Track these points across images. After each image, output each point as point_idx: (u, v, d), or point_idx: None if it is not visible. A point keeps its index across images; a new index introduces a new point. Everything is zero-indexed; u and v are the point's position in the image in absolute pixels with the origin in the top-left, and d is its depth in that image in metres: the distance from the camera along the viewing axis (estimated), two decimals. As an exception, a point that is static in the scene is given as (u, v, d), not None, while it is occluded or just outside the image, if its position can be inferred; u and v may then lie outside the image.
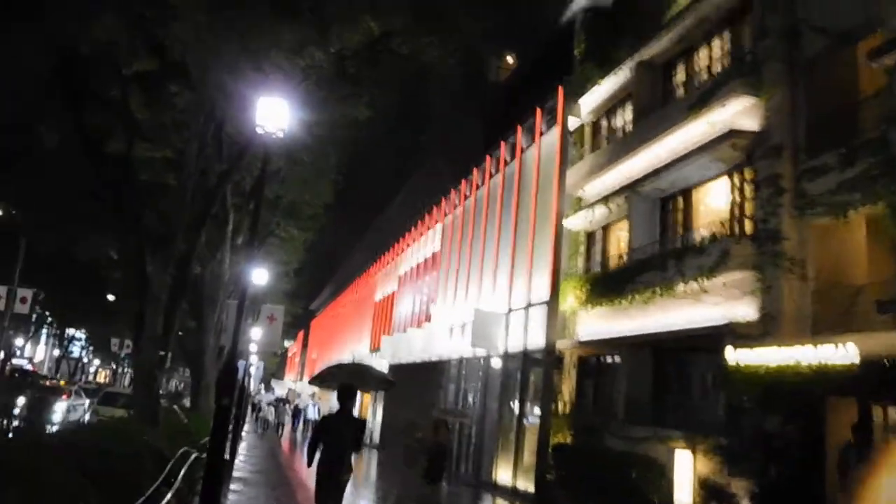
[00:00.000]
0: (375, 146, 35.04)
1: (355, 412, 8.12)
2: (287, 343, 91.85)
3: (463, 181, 23.81)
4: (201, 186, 14.69)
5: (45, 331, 71.93)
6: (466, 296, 21.75)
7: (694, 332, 12.05)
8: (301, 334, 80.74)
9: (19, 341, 60.71)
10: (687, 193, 13.77)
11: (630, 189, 14.45)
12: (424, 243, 28.54)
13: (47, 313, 62.88)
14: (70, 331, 72.02)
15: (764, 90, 11.54)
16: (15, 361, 63.99)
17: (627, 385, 14.04)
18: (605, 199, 15.29)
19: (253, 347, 43.84)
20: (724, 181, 12.74)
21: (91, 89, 14.86)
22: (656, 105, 14.73)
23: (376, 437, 32.61)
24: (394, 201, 35.77)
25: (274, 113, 9.36)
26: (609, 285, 14.77)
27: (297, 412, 37.64)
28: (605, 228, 16.74)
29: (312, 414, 35.38)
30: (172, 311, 14.22)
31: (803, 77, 11.14)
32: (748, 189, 12.01)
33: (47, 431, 15.33)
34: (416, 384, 28.75)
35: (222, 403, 8.66)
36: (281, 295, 48.70)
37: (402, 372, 29.23)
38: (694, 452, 11.53)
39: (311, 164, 25.70)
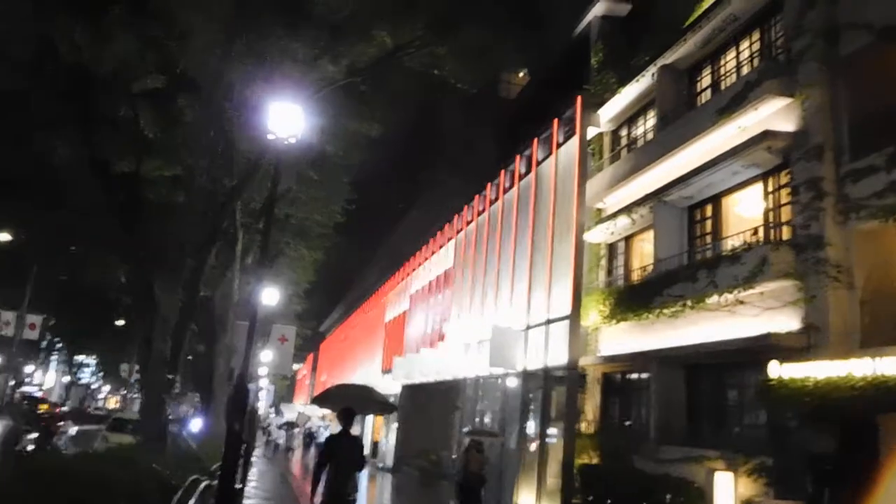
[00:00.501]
0: (387, 166, 34.61)
1: (367, 434, 7.65)
2: (296, 366, 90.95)
3: (476, 196, 23.22)
4: (211, 204, 14.15)
5: (54, 357, 71.30)
6: (482, 313, 21.05)
7: (730, 345, 11.29)
8: (310, 357, 79.89)
9: (29, 368, 60.07)
10: (716, 201, 13.10)
11: (655, 197, 13.80)
12: (436, 261, 27.89)
13: (56, 339, 62.32)
14: (79, 357, 71.37)
15: (800, 90, 10.92)
16: (25, 389, 63.38)
17: (658, 403, 13.25)
18: (628, 209, 14.64)
19: (262, 370, 43.11)
20: (758, 187, 12.07)
21: (100, 109, 14.43)
22: (681, 111, 14.13)
23: (389, 460, 31.72)
24: (404, 220, 35.22)
25: (286, 118, 8.81)
26: (634, 298, 14.06)
27: (309, 436, 36.55)
28: (628, 240, 16.06)
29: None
30: (181, 333, 13.61)
31: (843, 75, 10.51)
32: (785, 194, 11.33)
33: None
34: (430, 405, 27.96)
35: (233, 429, 8.01)
36: (291, 317, 48.07)
37: (416, 393, 28.48)
38: (735, 474, 10.73)
39: (322, 183, 25.22)
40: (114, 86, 13.60)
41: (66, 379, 76.71)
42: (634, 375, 15.09)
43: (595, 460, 14.82)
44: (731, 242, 12.27)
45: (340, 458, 8.12)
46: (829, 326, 9.98)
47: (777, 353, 10.19)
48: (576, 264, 15.31)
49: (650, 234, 15.20)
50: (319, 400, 11.63)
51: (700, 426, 12.76)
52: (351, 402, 10.00)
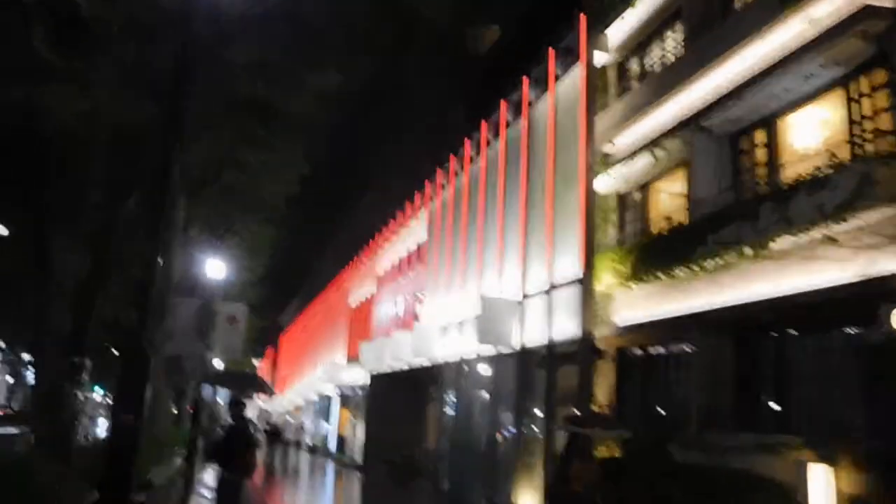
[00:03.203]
0: (346, 133, 31.27)
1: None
2: (255, 361, 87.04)
3: (451, 157, 20.15)
4: (125, 136, 10.74)
5: (-4, 358, 65.61)
6: (464, 288, 18.03)
7: (814, 297, 8.51)
8: (269, 351, 76.17)
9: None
10: (770, 122, 10.27)
11: (690, 125, 10.94)
12: (406, 236, 24.76)
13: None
14: (27, 356, 65.94)
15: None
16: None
17: (701, 379, 10.44)
18: (653, 144, 11.76)
19: (218, 363, 39.18)
20: (834, 96, 9.28)
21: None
22: (715, 20, 11.29)
23: (358, 456, 28.55)
24: (366, 197, 31.89)
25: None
26: (665, 252, 11.17)
27: (275, 433, 31.62)
28: (645, 187, 13.21)
29: (290, 435, 30.81)
30: (87, 304, 10.18)
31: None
32: (881, 99, 8.57)
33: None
34: (402, 395, 24.88)
35: (123, 423, 4.93)
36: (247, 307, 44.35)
37: (386, 382, 25.37)
38: (833, 466, 7.96)
39: (272, 144, 21.76)
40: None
41: (12, 380, 70.87)
42: (661, 349, 12.29)
43: (616, 452, 11.98)
44: (792, 173, 9.51)
45: (232, 442, 9.22)
46: (965, 263, 7.27)
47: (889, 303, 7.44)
48: (586, 216, 12.39)
49: (674, 179, 12.44)
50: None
51: (757, 407, 9.98)
52: (235, 383, 12.42)
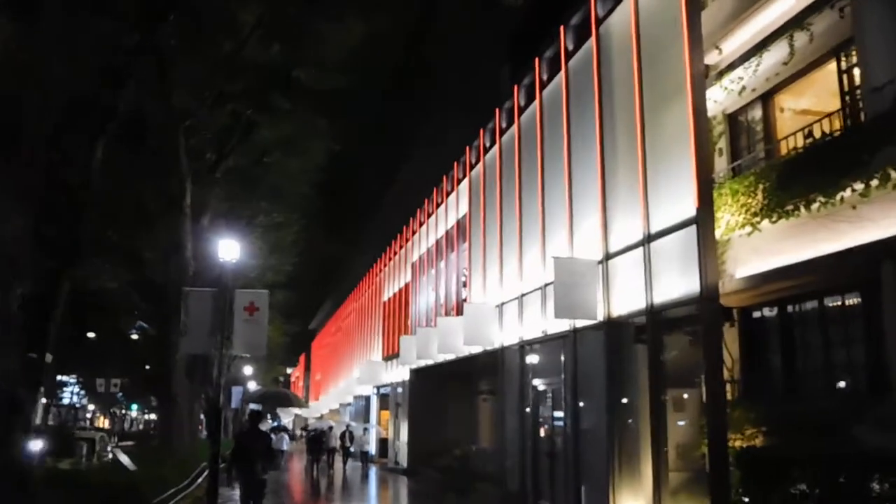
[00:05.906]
0: (371, 116, 28.40)
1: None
2: (287, 370, 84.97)
3: (496, 110, 17.07)
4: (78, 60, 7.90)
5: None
6: (521, 259, 14.95)
7: None
8: (303, 357, 73.88)
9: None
10: None
11: (855, -12, 7.77)
12: (443, 214, 21.75)
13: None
14: (59, 377, 63.93)
15: None
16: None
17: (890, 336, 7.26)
18: (794, 25, 8.59)
19: (248, 370, 36.26)
20: None
21: None
22: None
23: (403, 460, 25.54)
24: (397, 182, 28.92)
25: None
26: (823, 169, 8.01)
27: (317, 440, 25.92)
28: (766, 99, 10.03)
29: (335, 442, 27.50)
30: (49, 283, 7.26)
31: None
32: None
33: None
34: (449, 389, 21.95)
35: None
36: (275, 311, 41.72)
37: (429, 377, 22.39)
38: None
39: (296, 115, 18.94)
40: None
41: (44, 400, 69.13)
42: (809, 304, 9.11)
43: (758, 440, 8.81)
44: None
45: (249, 449, 9.96)
46: None
47: None
48: (697, 137, 9.20)
49: (815, 80, 9.29)
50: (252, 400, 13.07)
51: None
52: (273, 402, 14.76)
